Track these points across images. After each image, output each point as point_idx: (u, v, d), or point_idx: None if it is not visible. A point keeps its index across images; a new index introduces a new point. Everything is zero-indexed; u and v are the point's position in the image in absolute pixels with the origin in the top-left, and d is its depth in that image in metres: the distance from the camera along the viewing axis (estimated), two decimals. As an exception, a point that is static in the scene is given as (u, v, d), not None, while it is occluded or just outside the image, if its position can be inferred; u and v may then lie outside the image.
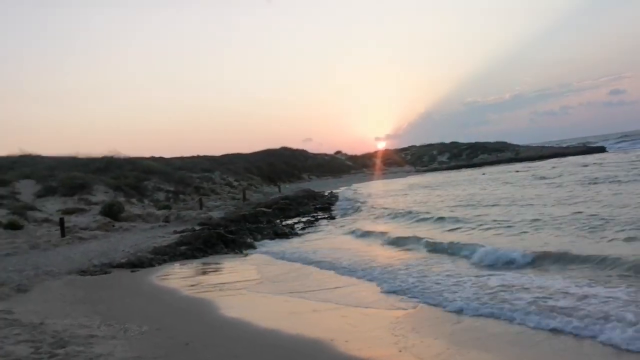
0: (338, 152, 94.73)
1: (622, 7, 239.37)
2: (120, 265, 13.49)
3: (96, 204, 26.00)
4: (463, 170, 66.36)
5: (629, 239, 10.90)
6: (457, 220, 17.57)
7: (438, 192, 31.94)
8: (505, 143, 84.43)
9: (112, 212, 24.68)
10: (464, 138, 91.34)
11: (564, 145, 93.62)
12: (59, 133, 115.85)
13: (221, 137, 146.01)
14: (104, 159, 36.89)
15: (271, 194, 39.74)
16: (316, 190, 47.80)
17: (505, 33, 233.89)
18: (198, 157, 57.64)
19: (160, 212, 26.68)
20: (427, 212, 20.92)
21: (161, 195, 31.81)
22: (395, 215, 22.58)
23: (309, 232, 20.98)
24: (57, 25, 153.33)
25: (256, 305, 9.11)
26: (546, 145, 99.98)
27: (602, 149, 73.35)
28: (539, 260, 10.13)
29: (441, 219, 18.46)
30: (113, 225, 22.58)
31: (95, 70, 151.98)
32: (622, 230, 11.85)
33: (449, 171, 67.63)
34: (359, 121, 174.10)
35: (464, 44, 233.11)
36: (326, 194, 45.63)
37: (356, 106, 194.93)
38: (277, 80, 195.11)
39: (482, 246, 11.70)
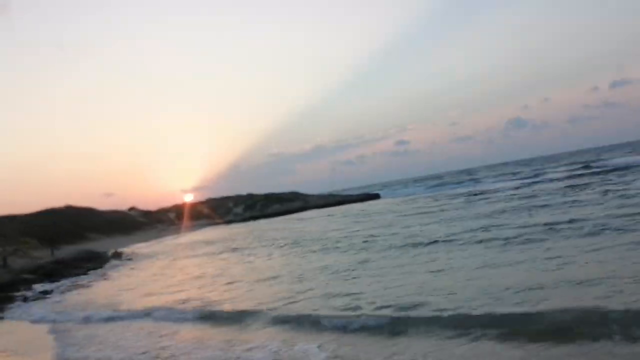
0: (132, 208, 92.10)
1: (405, 66, 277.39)
2: None
3: None
4: (258, 220, 70.32)
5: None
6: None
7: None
8: (297, 193, 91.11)
9: None
10: (271, 188, 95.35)
11: (351, 193, 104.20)
12: None
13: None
14: None
15: (42, 257, 37.79)
16: (100, 251, 46.75)
17: (306, 89, 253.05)
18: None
19: None
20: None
21: None
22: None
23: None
24: None
25: None
26: (344, 192, 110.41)
27: (377, 196, 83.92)
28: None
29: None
30: None
31: None
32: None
33: (246, 222, 71.20)
34: (165, 174, 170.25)
35: (269, 99, 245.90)
36: (109, 253, 45.02)
37: (162, 159, 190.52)
38: (74, 131, 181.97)
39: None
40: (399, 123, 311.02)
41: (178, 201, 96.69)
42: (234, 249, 31.71)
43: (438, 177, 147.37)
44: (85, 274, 30.88)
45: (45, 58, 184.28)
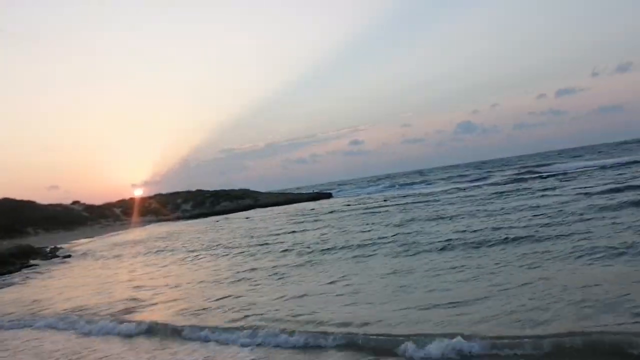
0: (75, 202, 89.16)
1: (360, 67, 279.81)
2: None
3: None
4: (204, 218, 69.30)
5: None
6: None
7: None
8: (247, 190, 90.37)
9: None
10: (223, 185, 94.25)
11: (305, 191, 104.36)
12: None
13: None
14: None
15: (-30, 253, 36.02)
16: (38, 246, 45.13)
17: (258, 85, 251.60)
18: None
19: None
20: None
21: None
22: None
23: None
24: None
25: None
26: (297, 191, 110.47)
27: (329, 195, 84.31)
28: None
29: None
30: None
31: None
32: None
33: (191, 220, 69.98)
34: (115, 168, 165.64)
35: (221, 92, 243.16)
36: (48, 249, 43.55)
37: (112, 152, 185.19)
38: (17, 121, 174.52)
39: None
40: (352, 123, 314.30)
41: (127, 196, 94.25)
42: (158, 251, 30.85)
43: (391, 177, 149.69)
44: (17, 270, 29.78)
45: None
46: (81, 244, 48.56)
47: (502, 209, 24.80)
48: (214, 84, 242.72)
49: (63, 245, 47.95)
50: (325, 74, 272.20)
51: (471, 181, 64.82)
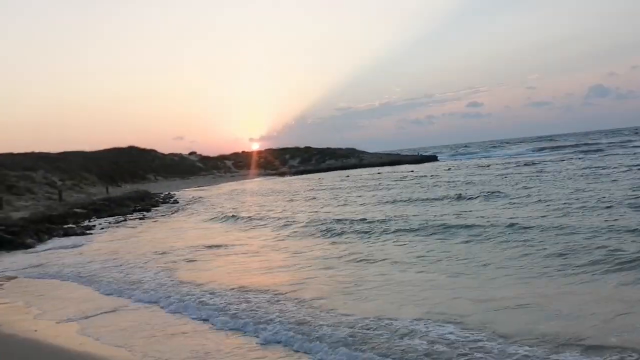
0: (192, 153, 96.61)
1: (484, 25, 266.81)
2: None
3: None
4: (310, 174, 72.28)
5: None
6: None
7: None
8: (353, 150, 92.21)
9: None
10: (336, 143, 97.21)
11: (420, 152, 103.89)
12: None
13: (69, 134, 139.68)
14: None
15: (96, 194, 41.39)
16: (154, 192, 50.44)
17: (376, 43, 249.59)
18: (21, 154, 56.68)
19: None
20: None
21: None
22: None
23: (103, 232, 23.77)
24: None
25: None
26: (408, 152, 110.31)
27: (434, 158, 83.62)
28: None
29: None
30: None
31: None
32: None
33: (297, 175, 73.32)
34: (234, 121, 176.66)
35: (337, 51, 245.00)
36: (162, 195, 48.49)
37: (232, 106, 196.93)
38: (148, 76, 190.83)
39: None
40: (472, 84, 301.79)
41: (245, 149, 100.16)
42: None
43: (511, 142, 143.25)
44: (130, 213, 33.72)
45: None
46: (192, 192, 53.16)
47: None
48: (331, 43, 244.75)
49: (175, 192, 52.78)
50: (445, 31, 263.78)
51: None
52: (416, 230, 15.62)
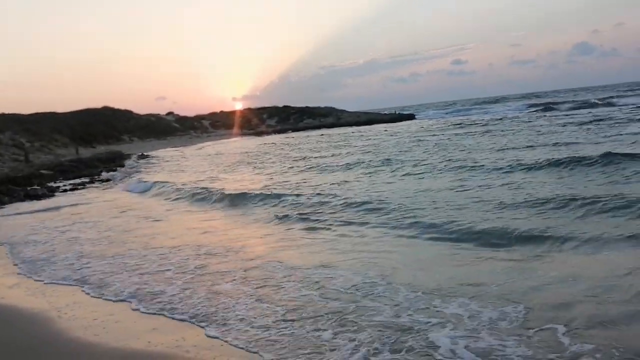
0: (169, 113, 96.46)
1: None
2: None
3: None
4: (286, 134, 73.17)
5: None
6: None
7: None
8: (332, 109, 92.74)
9: None
10: (320, 102, 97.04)
11: (402, 112, 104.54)
12: None
13: (39, 95, 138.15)
14: None
15: (65, 155, 42.01)
16: (127, 153, 51.15)
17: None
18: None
19: None
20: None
21: None
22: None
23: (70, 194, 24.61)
24: None
25: None
26: (394, 110, 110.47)
27: (412, 117, 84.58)
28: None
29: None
30: None
31: None
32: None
33: (275, 135, 74.29)
34: (217, 81, 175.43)
35: (322, 7, 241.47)
36: (134, 156, 49.18)
37: (216, 66, 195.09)
38: (130, 36, 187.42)
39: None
40: (457, 42, 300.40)
41: (227, 109, 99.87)
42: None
43: (498, 100, 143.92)
44: (98, 174, 34.44)
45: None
46: (164, 152, 53.84)
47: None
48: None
49: (150, 153, 53.42)
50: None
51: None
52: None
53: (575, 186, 12.75)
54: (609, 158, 14.98)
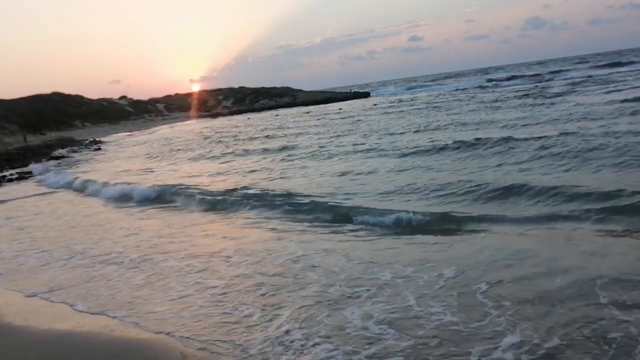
0: (123, 97, 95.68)
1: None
2: None
3: None
4: (242, 115, 73.72)
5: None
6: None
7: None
8: (288, 88, 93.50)
9: None
10: (278, 83, 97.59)
11: (360, 90, 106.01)
12: None
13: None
14: None
15: (12, 144, 41.96)
16: (79, 139, 51.11)
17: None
18: None
19: None
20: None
21: None
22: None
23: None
24: None
25: None
26: (352, 89, 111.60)
27: (367, 95, 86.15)
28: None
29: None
30: None
31: None
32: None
33: (231, 116, 74.78)
34: (173, 64, 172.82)
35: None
36: (86, 142, 49.18)
37: (171, 49, 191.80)
38: (76, 19, 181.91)
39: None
40: (412, 18, 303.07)
41: (183, 91, 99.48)
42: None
43: (453, 76, 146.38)
44: (47, 160, 34.69)
45: None
46: (117, 138, 53.98)
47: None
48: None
49: (102, 138, 53.44)
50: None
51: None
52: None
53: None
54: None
